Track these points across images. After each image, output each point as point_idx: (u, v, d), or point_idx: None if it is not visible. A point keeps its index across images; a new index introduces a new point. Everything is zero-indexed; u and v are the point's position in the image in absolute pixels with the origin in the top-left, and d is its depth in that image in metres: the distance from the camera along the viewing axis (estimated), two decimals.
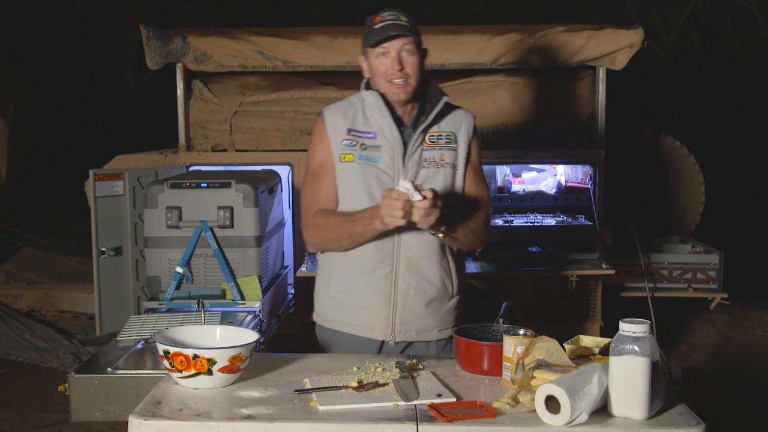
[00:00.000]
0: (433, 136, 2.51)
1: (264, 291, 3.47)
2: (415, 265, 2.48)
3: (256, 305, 3.39)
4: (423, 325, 2.52)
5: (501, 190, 4.72)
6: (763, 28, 10.94)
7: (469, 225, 2.47)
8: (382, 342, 2.52)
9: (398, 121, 2.49)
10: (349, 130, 2.50)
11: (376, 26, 2.42)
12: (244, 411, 1.86)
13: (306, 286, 4.34)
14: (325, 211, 2.50)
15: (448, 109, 2.55)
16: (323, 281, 2.61)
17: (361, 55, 2.53)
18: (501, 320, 2.35)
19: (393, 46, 2.40)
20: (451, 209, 2.39)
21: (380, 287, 2.48)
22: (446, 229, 2.35)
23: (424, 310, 2.51)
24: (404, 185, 2.22)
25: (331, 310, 2.58)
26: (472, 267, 4.17)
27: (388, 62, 2.42)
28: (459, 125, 2.55)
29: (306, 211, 2.54)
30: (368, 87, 2.52)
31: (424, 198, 2.20)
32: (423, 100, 2.53)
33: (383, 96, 2.47)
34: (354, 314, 2.52)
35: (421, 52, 2.47)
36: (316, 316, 2.65)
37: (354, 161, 2.48)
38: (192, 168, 4.38)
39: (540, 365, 1.96)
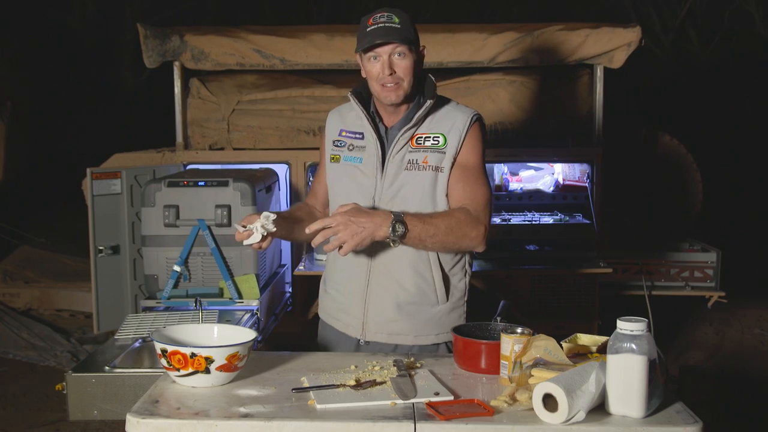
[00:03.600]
0: (420, 137, 2.42)
1: (262, 289, 3.47)
2: (387, 266, 2.44)
3: (254, 304, 3.39)
4: (395, 329, 2.46)
5: (499, 188, 4.72)
6: (760, 26, 10.96)
7: (437, 224, 2.30)
8: (359, 340, 2.51)
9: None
10: (341, 131, 2.52)
11: (367, 29, 2.35)
12: (242, 409, 1.86)
13: (303, 284, 4.37)
14: (301, 204, 2.68)
15: (445, 109, 2.46)
16: (324, 273, 2.67)
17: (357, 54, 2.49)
18: (499, 318, 2.34)
19: (383, 51, 2.34)
20: (421, 213, 2.32)
21: (353, 285, 2.48)
22: (401, 236, 2.23)
23: (396, 314, 2.45)
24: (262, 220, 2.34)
25: (321, 301, 2.65)
26: None
27: (379, 66, 2.36)
28: (450, 126, 2.41)
29: None
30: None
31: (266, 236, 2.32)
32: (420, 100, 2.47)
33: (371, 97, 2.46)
34: (336, 308, 2.57)
35: (415, 53, 2.39)
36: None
37: (339, 162, 2.49)
38: (189, 166, 4.38)
39: (537, 363, 1.96)
